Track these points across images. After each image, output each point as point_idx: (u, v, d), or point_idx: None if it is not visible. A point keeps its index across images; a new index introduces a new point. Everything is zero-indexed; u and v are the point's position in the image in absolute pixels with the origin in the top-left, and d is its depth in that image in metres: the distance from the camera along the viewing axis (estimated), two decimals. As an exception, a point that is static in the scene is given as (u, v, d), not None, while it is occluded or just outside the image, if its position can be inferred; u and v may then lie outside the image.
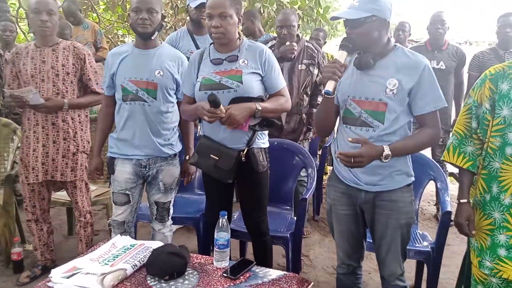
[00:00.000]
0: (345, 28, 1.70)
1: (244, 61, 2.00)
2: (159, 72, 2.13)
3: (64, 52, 2.41)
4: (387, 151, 1.60)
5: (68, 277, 1.65)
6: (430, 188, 2.48)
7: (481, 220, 1.66)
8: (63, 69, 2.39)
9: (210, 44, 2.09)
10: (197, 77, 2.04)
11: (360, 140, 1.62)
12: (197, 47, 2.91)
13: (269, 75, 2.02)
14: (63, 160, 2.47)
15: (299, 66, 3.01)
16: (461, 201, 1.68)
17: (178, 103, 2.25)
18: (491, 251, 1.61)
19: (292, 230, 2.41)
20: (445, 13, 3.52)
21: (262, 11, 4.78)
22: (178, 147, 2.30)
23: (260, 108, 1.92)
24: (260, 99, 1.99)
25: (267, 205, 2.21)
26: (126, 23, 6.18)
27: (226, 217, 1.76)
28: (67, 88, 2.42)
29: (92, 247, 2.00)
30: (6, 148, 3.07)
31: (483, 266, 1.64)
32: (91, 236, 2.68)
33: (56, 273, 1.68)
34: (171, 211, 2.38)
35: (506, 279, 1.60)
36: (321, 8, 5.31)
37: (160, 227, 2.36)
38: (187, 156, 2.31)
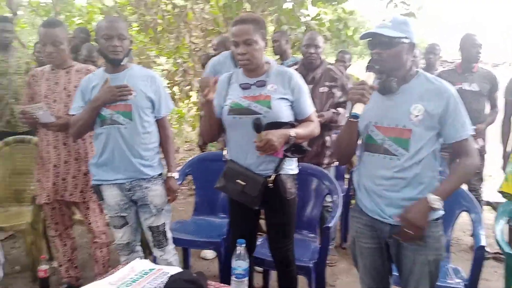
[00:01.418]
0: (371, 49, 1.65)
1: (272, 86, 1.98)
2: (133, 92, 2.13)
3: (77, 74, 2.46)
4: (432, 198, 1.55)
5: (86, 301, 1.64)
6: (466, 216, 2.34)
7: None
8: (75, 90, 2.42)
9: (239, 68, 2.08)
10: (225, 100, 2.04)
11: (402, 216, 1.59)
12: None
13: (298, 101, 2.00)
14: (73, 181, 2.49)
15: (321, 88, 2.97)
16: None
17: (157, 122, 2.25)
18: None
19: (316, 260, 2.33)
20: (477, 35, 3.39)
21: (289, 34, 4.80)
22: (160, 168, 2.28)
23: (294, 135, 1.89)
24: (291, 125, 1.95)
25: (293, 233, 2.14)
26: (158, 44, 6.35)
27: (244, 245, 1.71)
28: None
29: (112, 270, 1.99)
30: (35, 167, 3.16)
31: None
32: (107, 257, 2.68)
33: (74, 296, 1.68)
34: (169, 234, 2.34)
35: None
36: (349, 30, 5.29)
37: (161, 253, 2.32)
38: (169, 174, 2.29)
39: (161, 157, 2.33)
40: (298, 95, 1.99)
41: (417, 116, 1.59)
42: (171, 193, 2.29)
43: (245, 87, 2.01)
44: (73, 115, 2.21)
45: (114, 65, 2.14)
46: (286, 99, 1.98)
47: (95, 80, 2.18)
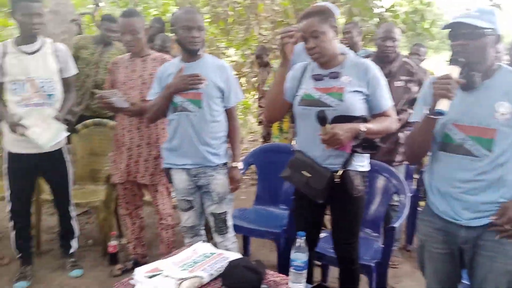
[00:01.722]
0: (453, 40, 1.53)
1: (347, 78, 1.90)
2: (204, 81, 2.17)
3: (152, 62, 2.56)
4: None
5: (150, 277, 1.72)
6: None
7: None
8: (150, 78, 2.52)
9: None
10: (297, 90, 2.01)
11: (498, 213, 1.47)
12: None
13: (374, 94, 1.90)
14: (144, 164, 2.60)
15: (396, 83, 2.84)
16: None
17: (226, 111, 2.28)
18: None
19: (378, 260, 2.25)
20: None
21: (360, 25, 4.65)
22: (226, 157, 2.30)
23: (364, 130, 1.80)
24: (363, 119, 1.86)
25: (359, 231, 2.07)
26: (228, 36, 6.46)
27: (304, 238, 1.69)
28: None
29: (175, 250, 2.06)
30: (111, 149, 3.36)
31: None
32: (172, 238, 2.77)
33: (139, 272, 1.76)
34: (229, 222, 2.37)
35: None
36: (426, 23, 5.00)
37: (221, 240, 2.36)
38: (233, 163, 2.31)
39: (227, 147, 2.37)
40: (375, 88, 1.89)
41: (504, 114, 1.46)
42: (234, 182, 2.32)
43: (317, 78, 1.95)
44: (149, 100, 2.31)
45: (191, 55, 2.21)
46: (361, 92, 1.89)
47: (171, 68, 2.26)
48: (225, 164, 2.30)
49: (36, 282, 2.71)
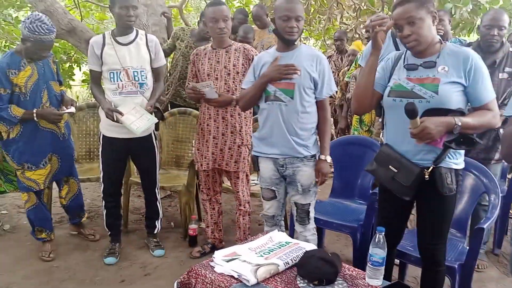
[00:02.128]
0: None
1: (444, 68, 1.77)
2: (298, 72, 2.13)
3: (235, 53, 2.61)
4: None
5: (228, 261, 1.79)
6: None
7: None
8: (234, 68, 2.59)
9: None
10: (388, 81, 1.93)
11: None
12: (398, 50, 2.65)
13: (474, 86, 1.75)
14: (229, 152, 2.69)
15: (500, 74, 2.62)
16: None
17: (317, 103, 2.23)
18: None
19: (462, 261, 2.13)
20: None
21: (453, 12, 4.32)
22: (314, 149, 2.26)
23: (460, 124, 1.68)
24: (460, 112, 1.74)
25: (448, 233, 1.95)
26: (310, 26, 6.39)
27: (383, 233, 1.65)
28: (236, 86, 2.61)
29: (252, 237, 2.12)
30: (194, 137, 3.52)
31: None
32: (248, 225, 2.86)
33: (218, 255, 1.84)
34: (312, 214, 2.35)
35: None
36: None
37: (301, 230, 2.36)
38: (322, 156, 2.25)
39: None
40: (475, 79, 1.74)
41: None
42: (321, 175, 2.28)
43: (411, 67, 1.85)
44: (243, 89, 2.36)
45: (287, 44, 2.21)
46: (459, 83, 1.76)
47: (266, 57, 2.28)
48: (313, 156, 2.28)
49: (122, 259, 2.93)
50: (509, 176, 3.42)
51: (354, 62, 4.37)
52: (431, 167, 1.80)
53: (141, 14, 4.18)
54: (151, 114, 2.71)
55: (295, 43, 2.20)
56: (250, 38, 3.81)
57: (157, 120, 2.77)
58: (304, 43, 6.76)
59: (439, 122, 1.67)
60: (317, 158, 2.27)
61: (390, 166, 1.87)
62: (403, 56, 1.93)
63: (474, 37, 4.89)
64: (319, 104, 2.26)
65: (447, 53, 1.80)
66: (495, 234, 3.14)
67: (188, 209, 3.28)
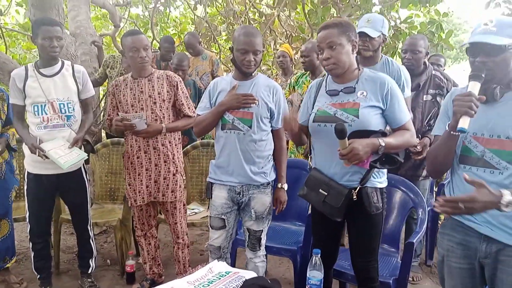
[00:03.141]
0: (473, 57, 1.50)
1: (362, 93, 1.89)
2: (256, 101, 2.17)
3: (158, 81, 2.58)
4: (508, 197, 1.30)
5: (164, 298, 1.71)
6: None
7: None
8: (159, 96, 2.55)
9: (328, 74, 2.03)
10: (312, 108, 2.01)
11: (476, 182, 1.35)
12: None
13: (392, 109, 1.88)
14: (164, 182, 2.61)
15: (424, 96, 2.80)
16: None
17: (273, 132, 2.26)
18: None
19: (396, 276, 2.20)
20: None
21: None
22: (271, 176, 2.29)
23: (383, 144, 1.77)
24: (382, 133, 1.84)
25: (378, 249, 2.03)
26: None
27: (319, 255, 1.67)
28: (163, 114, 2.57)
29: (191, 269, 2.06)
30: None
31: None
32: (188, 257, 2.78)
33: (154, 292, 1.76)
34: (263, 240, 2.35)
35: None
36: (443, 33, 4.94)
37: (252, 256, 2.35)
38: (279, 184, 2.29)
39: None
40: (392, 102, 1.87)
41: None
42: (279, 204, 2.31)
43: (332, 93, 1.95)
44: (198, 115, 2.33)
45: (246, 76, 2.22)
46: (377, 107, 1.87)
47: (222, 85, 2.28)
48: (269, 183, 2.29)
49: (55, 303, 2.72)
50: (435, 189, 3.63)
51: (288, 86, 4.44)
52: (358, 187, 1.87)
53: (69, 44, 4.05)
54: (81, 151, 2.59)
55: (252, 74, 2.22)
56: (185, 66, 3.79)
57: (87, 156, 2.63)
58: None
59: (366, 143, 1.75)
60: (272, 185, 2.29)
61: (320, 190, 1.93)
62: (324, 82, 2.02)
63: (398, 60, 5.24)
64: (275, 133, 2.29)
65: (365, 78, 1.92)
66: (427, 246, 3.29)
67: (125, 244, 3.13)
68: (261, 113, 2.18)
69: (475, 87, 1.45)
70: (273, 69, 6.38)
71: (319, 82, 2.06)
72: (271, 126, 2.26)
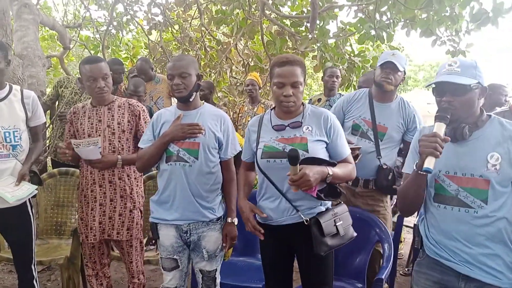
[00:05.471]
0: (439, 97, 1.54)
1: (308, 127, 1.92)
2: (203, 131, 2.08)
3: (119, 110, 2.44)
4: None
5: None
6: None
7: None
8: (119, 127, 2.41)
9: (271, 110, 2.05)
10: (257, 144, 1.98)
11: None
12: (373, 115, 2.62)
13: (335, 142, 1.93)
14: (119, 219, 2.44)
15: None
16: None
17: (221, 163, 2.17)
18: None
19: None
20: None
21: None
22: (220, 211, 2.18)
23: (331, 173, 1.79)
24: (332, 163, 1.86)
25: (332, 282, 2.00)
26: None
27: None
28: (122, 145, 2.43)
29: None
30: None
31: None
32: None
33: None
34: (218, 280, 2.23)
35: None
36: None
37: None
38: (229, 219, 2.18)
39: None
40: (334, 136, 1.93)
41: (494, 165, 1.47)
42: (229, 240, 2.17)
43: (278, 128, 1.96)
44: (140, 148, 2.19)
45: (183, 102, 2.12)
46: (323, 141, 1.92)
47: (166, 115, 2.16)
48: (218, 218, 2.16)
49: None
50: (394, 219, 3.67)
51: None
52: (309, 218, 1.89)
53: (16, 66, 3.78)
54: (30, 184, 2.35)
55: (191, 99, 2.11)
56: (141, 91, 3.65)
57: (36, 191, 2.38)
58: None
59: (316, 170, 1.75)
60: (222, 220, 2.18)
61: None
62: (268, 117, 2.01)
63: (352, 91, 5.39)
64: (224, 165, 2.18)
65: (308, 113, 1.95)
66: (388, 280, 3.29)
67: (72, 284, 2.87)
68: (208, 143, 2.09)
69: (440, 128, 1.49)
70: (230, 96, 6.36)
71: (260, 117, 2.05)
72: (220, 157, 2.16)
